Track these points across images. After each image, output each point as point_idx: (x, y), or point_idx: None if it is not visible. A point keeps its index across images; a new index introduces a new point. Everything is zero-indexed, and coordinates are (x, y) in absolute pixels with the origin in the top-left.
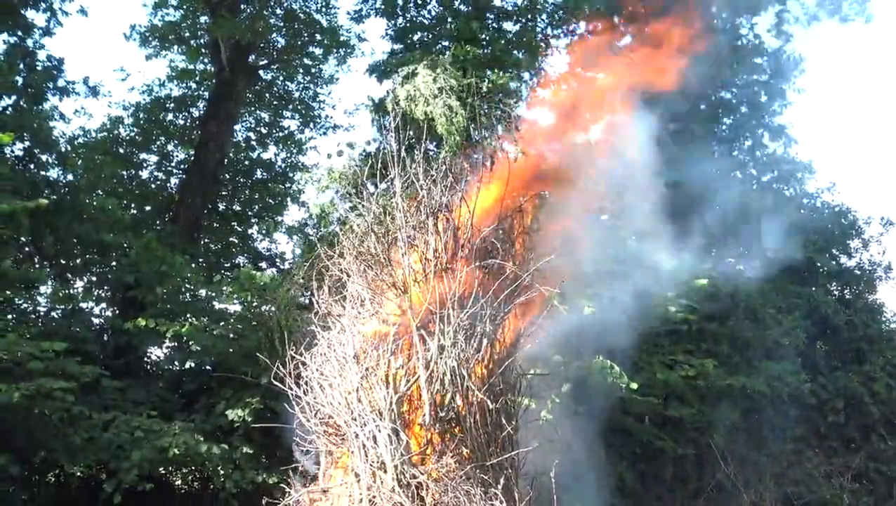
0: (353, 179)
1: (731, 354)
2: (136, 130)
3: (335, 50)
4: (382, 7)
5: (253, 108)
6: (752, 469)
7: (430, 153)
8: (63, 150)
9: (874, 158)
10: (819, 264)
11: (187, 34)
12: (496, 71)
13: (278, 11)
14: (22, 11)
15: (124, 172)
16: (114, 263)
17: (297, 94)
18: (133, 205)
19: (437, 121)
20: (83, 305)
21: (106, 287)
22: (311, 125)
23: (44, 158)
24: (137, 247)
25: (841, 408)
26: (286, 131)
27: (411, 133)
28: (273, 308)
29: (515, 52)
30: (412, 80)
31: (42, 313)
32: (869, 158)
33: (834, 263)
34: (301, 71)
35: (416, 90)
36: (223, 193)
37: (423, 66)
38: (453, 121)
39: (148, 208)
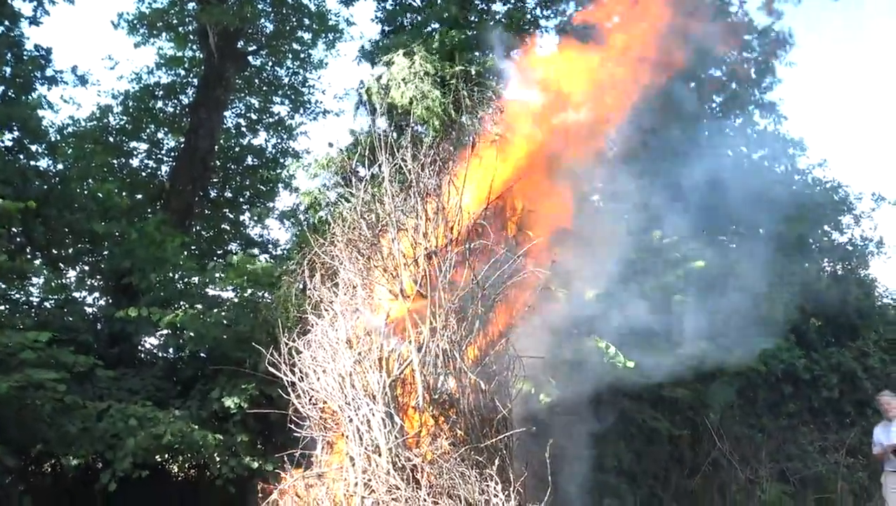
0: (340, 165)
1: (725, 331)
2: (125, 118)
3: (324, 34)
4: None
5: (242, 95)
6: (748, 446)
7: (422, 135)
8: (53, 139)
9: (865, 133)
10: (811, 240)
11: (175, 21)
12: (483, 53)
13: None
14: (8, 0)
15: (114, 161)
16: (105, 253)
17: (286, 80)
18: (124, 193)
19: (413, 106)
20: (76, 294)
21: (99, 276)
22: (302, 110)
23: (33, 148)
24: (133, 230)
25: (835, 383)
26: (276, 117)
27: (399, 118)
28: (269, 296)
29: (506, 32)
30: (389, 69)
31: (35, 304)
32: (860, 134)
33: (826, 238)
34: (290, 56)
35: (392, 77)
36: (214, 179)
37: (399, 55)
38: (427, 105)
39: (139, 196)
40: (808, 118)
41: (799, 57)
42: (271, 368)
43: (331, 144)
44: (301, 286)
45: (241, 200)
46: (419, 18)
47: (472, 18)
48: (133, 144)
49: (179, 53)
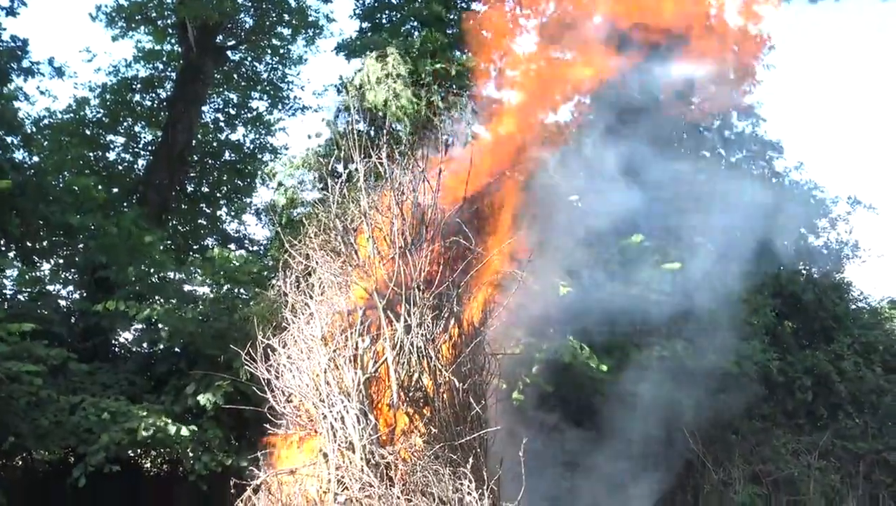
0: (317, 165)
1: (700, 333)
2: (102, 111)
3: (303, 30)
4: None
5: (221, 90)
6: (721, 448)
7: (400, 133)
8: (28, 131)
9: (842, 137)
10: (787, 243)
11: (154, 14)
12: (464, 54)
13: None
14: None
15: (91, 154)
16: (81, 246)
17: (265, 75)
18: (100, 186)
19: (386, 106)
20: (50, 287)
21: (73, 269)
22: (280, 106)
23: (9, 139)
24: (109, 225)
25: (808, 386)
26: (255, 112)
27: (375, 117)
28: (245, 292)
29: (483, 32)
30: (363, 70)
31: (8, 296)
32: (837, 137)
33: (802, 242)
34: (269, 52)
35: (366, 79)
36: (191, 174)
37: (372, 57)
38: (400, 106)
39: (115, 190)
40: (785, 121)
41: (778, 59)
42: (247, 365)
43: (309, 137)
44: (277, 286)
45: (219, 194)
46: (398, 16)
47: (452, 17)
48: (110, 137)
49: (158, 47)
